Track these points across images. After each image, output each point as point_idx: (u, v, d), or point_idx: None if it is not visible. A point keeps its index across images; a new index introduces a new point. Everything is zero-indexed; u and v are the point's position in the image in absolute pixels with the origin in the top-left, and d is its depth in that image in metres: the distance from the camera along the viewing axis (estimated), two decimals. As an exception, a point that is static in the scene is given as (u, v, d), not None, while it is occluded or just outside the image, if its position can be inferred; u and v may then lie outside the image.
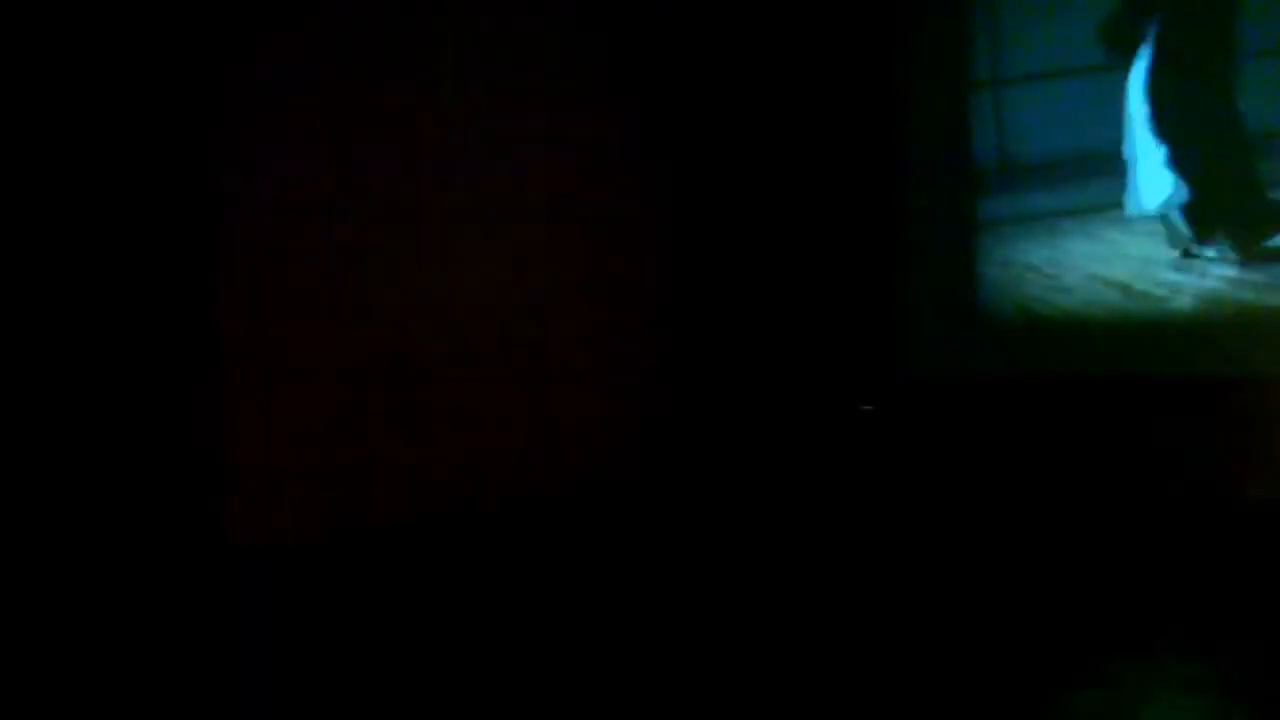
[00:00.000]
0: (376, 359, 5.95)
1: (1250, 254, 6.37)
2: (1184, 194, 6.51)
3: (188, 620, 5.09)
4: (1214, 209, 6.48)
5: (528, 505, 6.28)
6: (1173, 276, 6.61)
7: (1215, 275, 6.52)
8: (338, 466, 5.78)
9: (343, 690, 4.58)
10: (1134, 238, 6.73)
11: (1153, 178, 6.57)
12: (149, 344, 5.34)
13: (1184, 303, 6.56)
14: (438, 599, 5.51)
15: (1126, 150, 6.65)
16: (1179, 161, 6.51)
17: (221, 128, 5.52)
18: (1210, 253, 6.50)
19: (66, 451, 5.16)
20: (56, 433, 5.15)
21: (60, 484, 5.13)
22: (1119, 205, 6.74)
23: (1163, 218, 6.58)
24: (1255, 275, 6.42)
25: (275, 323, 5.65)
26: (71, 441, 5.17)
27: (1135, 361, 6.61)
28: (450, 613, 5.39)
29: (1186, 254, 6.55)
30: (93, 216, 5.26)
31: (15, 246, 5.10)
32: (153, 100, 5.35)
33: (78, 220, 5.24)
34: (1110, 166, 6.72)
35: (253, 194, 5.60)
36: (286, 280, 5.69)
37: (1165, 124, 6.53)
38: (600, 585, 5.79)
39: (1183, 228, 6.53)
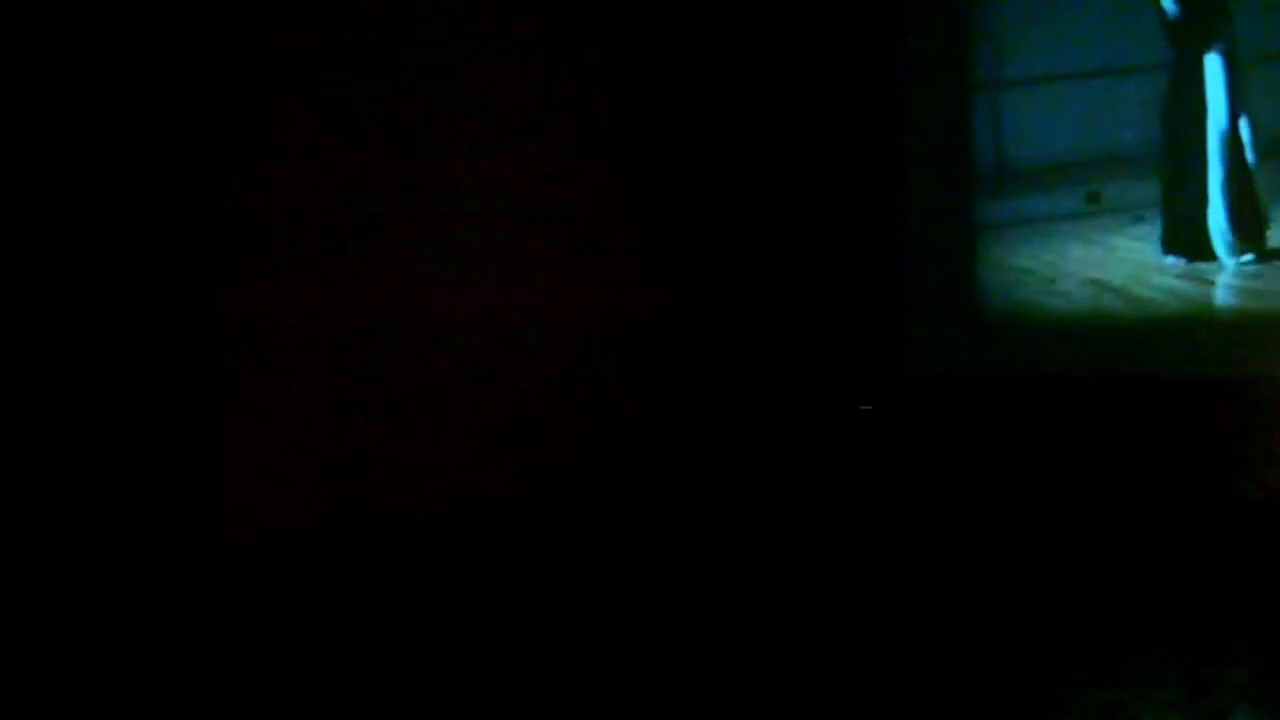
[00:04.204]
0: (374, 358, 5.94)
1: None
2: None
3: (182, 615, 5.08)
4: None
5: (526, 504, 6.27)
6: (1167, 281, 6.64)
7: (1208, 280, 6.55)
8: (334, 464, 5.77)
9: (338, 687, 4.56)
10: (1129, 243, 6.76)
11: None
12: (147, 342, 5.33)
13: (1178, 307, 6.59)
14: (433, 597, 5.50)
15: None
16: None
17: (223, 123, 5.51)
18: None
19: (63, 448, 5.15)
20: (53, 429, 5.14)
21: (56, 480, 5.11)
22: (1113, 209, 6.77)
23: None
24: (1247, 281, 6.46)
25: (273, 320, 5.63)
26: (68, 438, 5.16)
27: (1131, 364, 6.63)
28: (446, 611, 5.37)
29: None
30: (92, 213, 5.26)
31: (16, 244, 5.09)
32: (156, 93, 5.35)
33: (78, 218, 5.23)
34: (1106, 170, 6.75)
35: (252, 193, 5.59)
36: (284, 278, 5.68)
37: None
38: (600, 585, 5.78)
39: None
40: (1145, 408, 6.44)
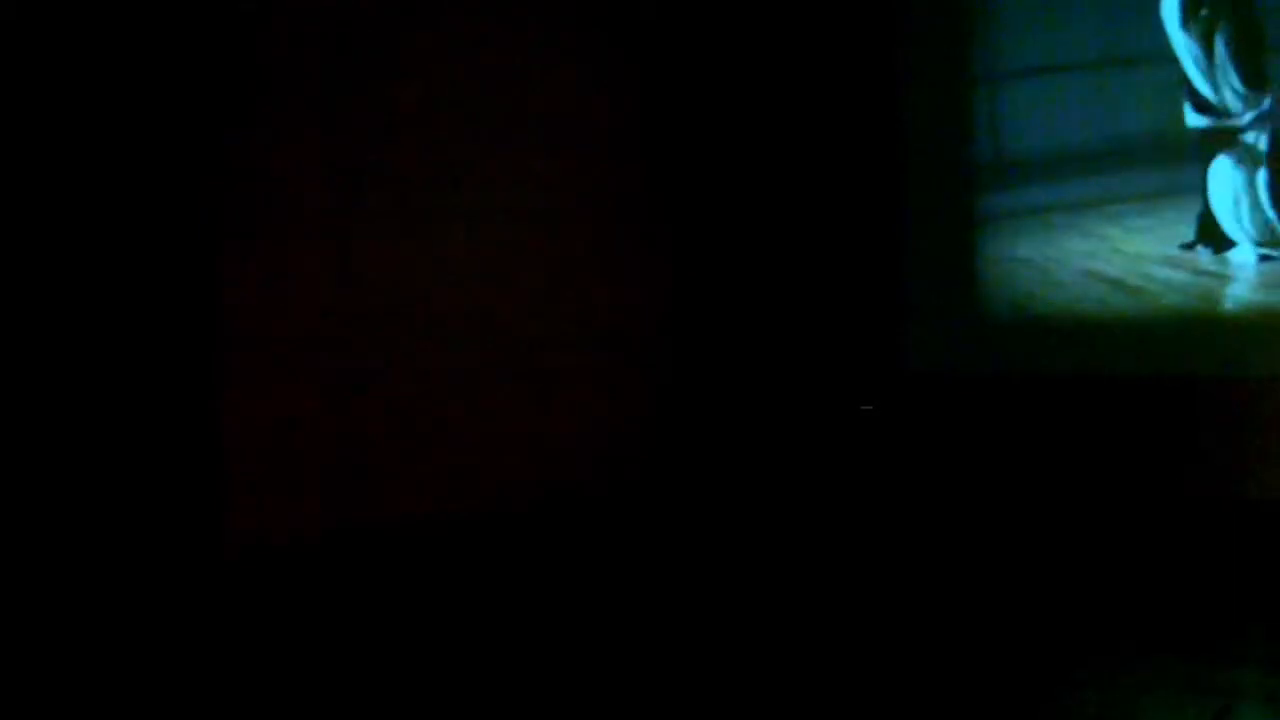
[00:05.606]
0: (374, 358, 5.93)
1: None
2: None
3: (184, 619, 5.08)
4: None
5: (527, 505, 6.28)
6: (1164, 273, 6.64)
7: (1206, 272, 6.55)
8: (335, 466, 5.76)
9: (341, 689, 4.56)
10: (1127, 234, 6.76)
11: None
12: (150, 345, 5.32)
13: (1175, 299, 6.59)
14: (435, 599, 5.51)
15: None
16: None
17: (223, 123, 5.48)
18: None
19: (63, 450, 5.13)
20: (53, 431, 5.13)
21: (57, 483, 5.10)
22: (1112, 201, 6.77)
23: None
24: (1245, 273, 6.46)
25: (275, 323, 5.62)
26: (69, 440, 5.15)
27: (1127, 356, 6.64)
28: (448, 612, 5.38)
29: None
30: (93, 215, 5.24)
31: (17, 245, 5.07)
32: (157, 93, 5.32)
33: (79, 220, 5.21)
34: (1104, 162, 6.75)
35: (252, 193, 5.57)
36: (286, 282, 5.66)
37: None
38: (601, 585, 5.80)
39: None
40: (1145, 406, 6.47)
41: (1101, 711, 4.29)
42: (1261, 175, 6.43)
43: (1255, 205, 6.44)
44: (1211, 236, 6.55)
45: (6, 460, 5.03)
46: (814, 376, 7.09)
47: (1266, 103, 6.41)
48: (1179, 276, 6.62)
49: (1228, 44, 6.50)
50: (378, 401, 5.90)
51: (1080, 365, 6.73)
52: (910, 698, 4.47)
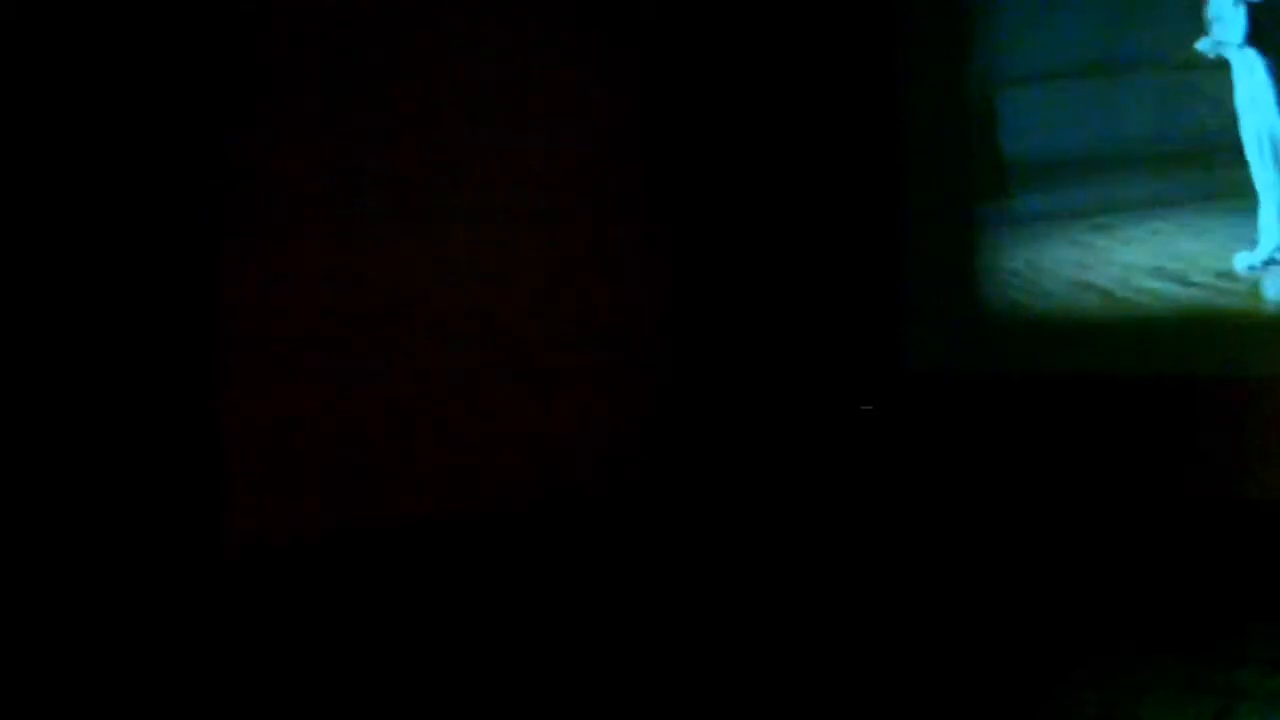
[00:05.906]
0: (374, 358, 5.93)
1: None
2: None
3: (184, 619, 5.08)
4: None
5: (527, 505, 6.28)
6: (1154, 284, 6.64)
7: (1195, 283, 6.56)
8: (335, 466, 5.76)
9: (338, 689, 4.56)
10: (1117, 244, 6.77)
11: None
12: (150, 345, 5.32)
13: (1164, 309, 6.59)
14: (436, 599, 5.50)
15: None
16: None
17: (223, 123, 5.48)
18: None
19: (62, 450, 5.14)
20: (53, 431, 5.13)
21: (55, 483, 5.11)
22: (1112, 203, 6.77)
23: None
24: (1233, 284, 6.46)
25: (275, 323, 5.62)
26: (68, 440, 5.15)
27: (1127, 356, 6.65)
28: (447, 613, 5.38)
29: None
30: (93, 215, 5.24)
31: (16, 245, 5.07)
32: (157, 93, 5.32)
33: (79, 220, 5.21)
34: (1104, 165, 6.75)
35: (252, 194, 5.57)
36: (286, 282, 5.66)
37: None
38: (601, 585, 5.79)
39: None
40: (1145, 406, 6.47)
41: (1101, 711, 4.29)
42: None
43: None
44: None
45: (6, 460, 5.03)
46: (814, 376, 7.09)
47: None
48: (1167, 287, 6.63)
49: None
50: (378, 401, 5.90)
51: (1080, 365, 6.74)
52: (910, 697, 4.47)
